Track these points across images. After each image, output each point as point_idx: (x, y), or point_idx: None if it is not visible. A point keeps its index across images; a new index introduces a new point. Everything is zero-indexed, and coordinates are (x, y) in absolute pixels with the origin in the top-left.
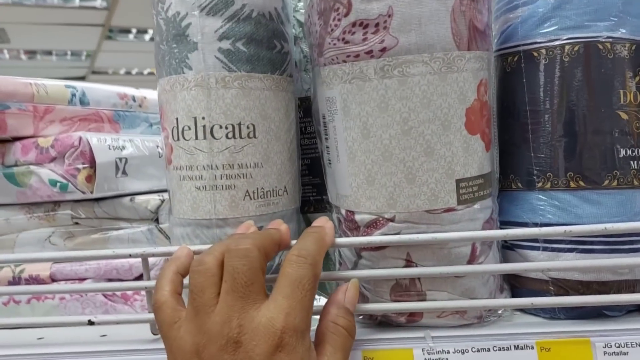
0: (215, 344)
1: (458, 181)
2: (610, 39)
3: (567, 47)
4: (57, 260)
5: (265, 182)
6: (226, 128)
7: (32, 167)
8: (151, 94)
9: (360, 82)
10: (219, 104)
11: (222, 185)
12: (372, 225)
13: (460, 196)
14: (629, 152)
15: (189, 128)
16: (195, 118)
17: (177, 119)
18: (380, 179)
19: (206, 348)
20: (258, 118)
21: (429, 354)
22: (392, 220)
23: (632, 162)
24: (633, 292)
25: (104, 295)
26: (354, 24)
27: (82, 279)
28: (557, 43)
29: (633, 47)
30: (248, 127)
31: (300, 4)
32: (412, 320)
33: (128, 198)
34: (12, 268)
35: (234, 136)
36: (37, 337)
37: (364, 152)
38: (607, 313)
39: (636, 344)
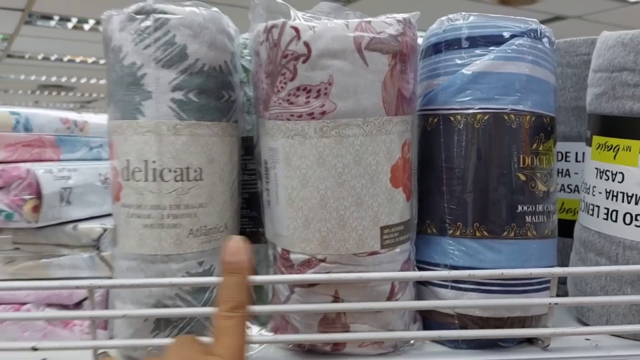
0: None
1: (382, 228)
2: (514, 111)
3: (478, 115)
4: (4, 289)
5: (209, 220)
6: (175, 172)
7: None
8: (92, 119)
9: (302, 138)
10: (170, 150)
11: (168, 224)
12: (306, 265)
13: (384, 241)
14: (525, 208)
15: (140, 170)
16: (146, 161)
17: (128, 161)
18: (315, 224)
19: None
20: (205, 162)
21: None
22: (323, 260)
23: (527, 216)
24: (523, 327)
25: (46, 321)
26: (298, 88)
27: (22, 304)
28: (470, 111)
29: (533, 119)
30: (195, 171)
31: (246, 51)
32: (336, 349)
33: (71, 226)
34: None
35: (182, 179)
36: None
37: (302, 199)
38: (501, 344)
39: None
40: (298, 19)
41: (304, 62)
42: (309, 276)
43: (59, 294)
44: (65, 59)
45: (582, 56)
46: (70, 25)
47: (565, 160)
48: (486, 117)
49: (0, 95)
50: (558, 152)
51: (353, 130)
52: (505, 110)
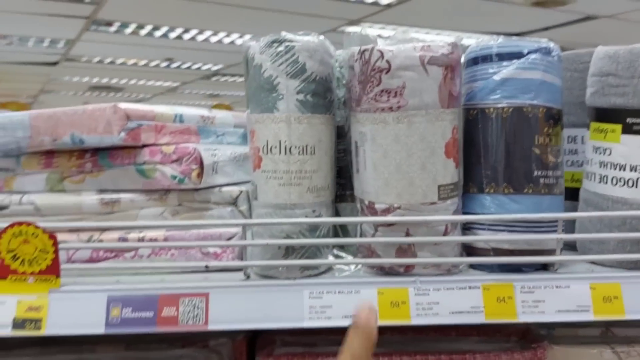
0: None
1: (439, 186)
2: (531, 105)
3: (505, 108)
4: (181, 228)
5: (318, 182)
6: (298, 148)
7: (158, 166)
8: (218, 114)
9: (383, 124)
10: (295, 133)
11: (295, 183)
12: (386, 211)
13: (440, 195)
14: (539, 172)
15: (276, 147)
16: (280, 141)
17: (267, 141)
18: (392, 183)
19: None
20: (316, 142)
21: (417, 290)
22: (399, 208)
23: (541, 179)
24: (540, 255)
25: (202, 253)
26: (382, 91)
27: None
28: (499, 105)
29: (544, 110)
30: (311, 148)
31: (337, 64)
32: (407, 271)
33: (217, 189)
34: (137, 234)
35: (303, 153)
36: (159, 279)
37: (383, 166)
38: (523, 269)
39: (538, 287)
40: (381, 45)
41: (386, 73)
42: (390, 218)
43: (212, 235)
44: (119, 61)
45: (586, 64)
46: (128, 31)
47: (574, 142)
48: (511, 110)
49: (52, 96)
50: (569, 136)
51: (419, 118)
52: (525, 105)
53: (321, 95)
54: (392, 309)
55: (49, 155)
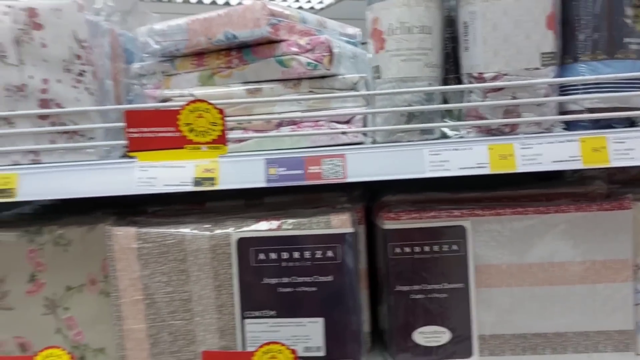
0: None
1: (541, 54)
2: None
3: None
4: (318, 105)
5: (434, 59)
6: (418, 27)
7: (294, 56)
8: (329, 20)
9: (494, 0)
10: (415, 15)
11: (415, 59)
12: (495, 78)
13: (542, 62)
14: (629, 39)
15: (398, 27)
16: (402, 22)
17: (390, 24)
18: (501, 53)
19: None
20: (432, 23)
21: (522, 144)
22: (506, 74)
23: (629, 45)
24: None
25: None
26: None
27: (316, 122)
28: None
29: None
30: (428, 27)
31: None
32: (512, 130)
33: (340, 76)
34: (277, 115)
35: (422, 32)
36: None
37: (493, 39)
38: (614, 125)
39: (629, 137)
40: None
41: None
42: (499, 83)
43: (340, 113)
44: None
45: None
46: None
47: None
48: None
49: None
50: None
51: None
52: None
53: None
54: (500, 160)
55: (200, 56)
